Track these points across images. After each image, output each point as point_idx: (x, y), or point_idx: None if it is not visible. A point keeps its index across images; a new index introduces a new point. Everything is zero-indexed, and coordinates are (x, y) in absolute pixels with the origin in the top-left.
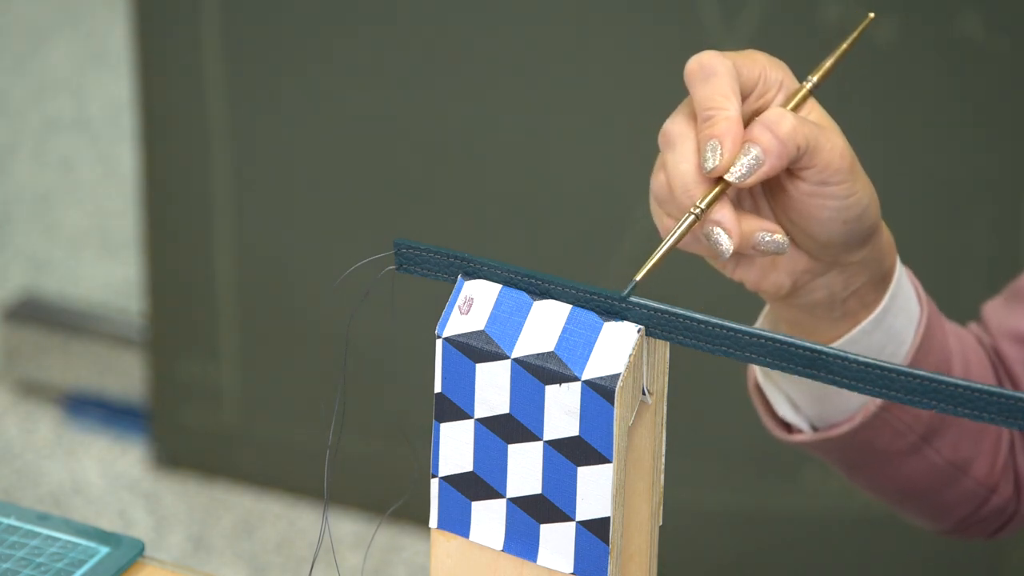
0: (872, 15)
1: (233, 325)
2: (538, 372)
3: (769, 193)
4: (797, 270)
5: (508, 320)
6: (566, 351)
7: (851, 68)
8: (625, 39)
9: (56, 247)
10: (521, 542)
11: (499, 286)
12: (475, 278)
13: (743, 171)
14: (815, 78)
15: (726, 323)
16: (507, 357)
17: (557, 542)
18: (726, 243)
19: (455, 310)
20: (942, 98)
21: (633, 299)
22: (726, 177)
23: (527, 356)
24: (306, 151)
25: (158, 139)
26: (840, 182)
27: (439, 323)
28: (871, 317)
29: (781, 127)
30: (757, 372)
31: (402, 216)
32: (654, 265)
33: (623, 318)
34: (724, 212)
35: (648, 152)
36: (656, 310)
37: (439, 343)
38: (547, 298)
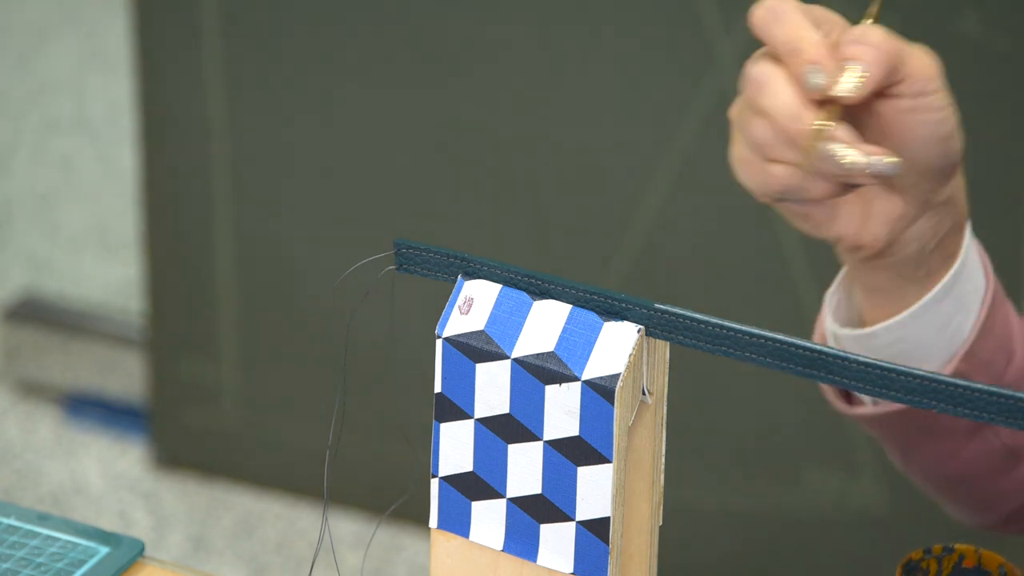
0: None
1: (233, 325)
2: (538, 372)
3: (859, 130)
4: (893, 217)
5: (508, 320)
6: (566, 351)
7: None
8: (625, 39)
9: (56, 247)
10: (521, 542)
11: (499, 286)
12: (475, 278)
13: (851, 85)
14: (873, 9)
15: (726, 323)
16: (507, 357)
17: (557, 542)
18: (851, 155)
19: (455, 310)
20: None
21: (633, 299)
22: (836, 93)
23: (527, 356)
24: (306, 151)
25: (158, 139)
26: (936, 90)
27: (439, 323)
28: (949, 275)
29: (872, 37)
30: (828, 339)
31: (402, 216)
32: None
33: (623, 318)
34: (841, 130)
35: (648, 152)
36: (656, 310)
37: (439, 343)
38: (547, 298)
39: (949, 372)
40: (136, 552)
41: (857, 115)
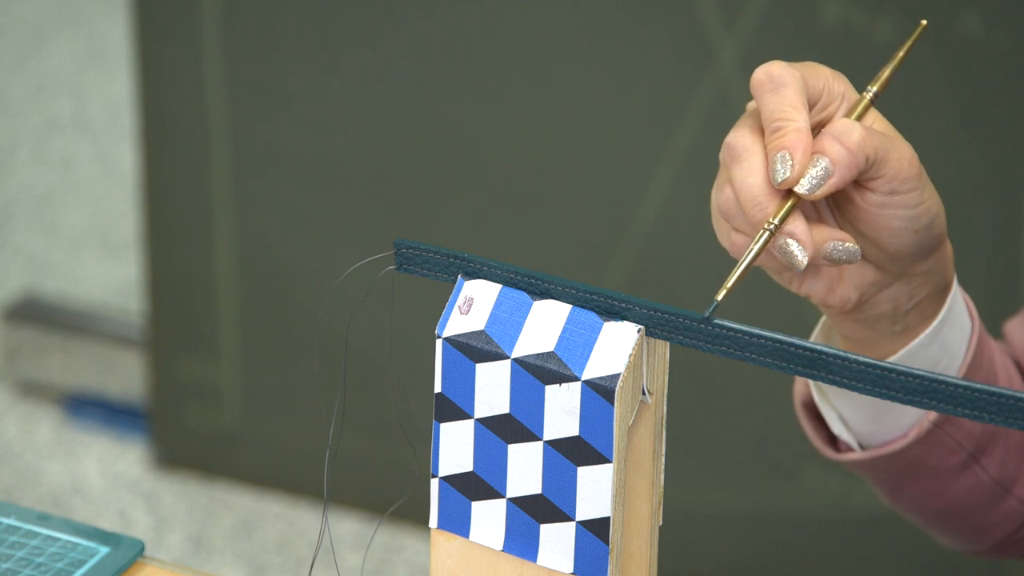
0: (924, 23)
1: (233, 325)
2: (538, 372)
3: (835, 206)
4: (864, 283)
5: (508, 320)
6: (566, 351)
7: (850, 67)
8: (625, 39)
9: (56, 247)
10: (521, 542)
11: (499, 286)
12: (475, 278)
13: (813, 183)
14: (875, 88)
15: (726, 323)
16: (507, 357)
17: (557, 542)
18: (800, 255)
19: (455, 310)
20: (941, 97)
21: (633, 299)
22: (796, 190)
23: (527, 356)
24: (306, 151)
25: (158, 139)
26: (910, 190)
27: (439, 323)
28: (931, 328)
29: (850, 138)
30: (812, 390)
31: (402, 216)
32: (734, 283)
33: (623, 318)
34: (797, 224)
35: (648, 152)
36: (656, 310)
37: (439, 343)
38: (547, 298)
39: (937, 414)
40: (136, 552)
41: (835, 193)
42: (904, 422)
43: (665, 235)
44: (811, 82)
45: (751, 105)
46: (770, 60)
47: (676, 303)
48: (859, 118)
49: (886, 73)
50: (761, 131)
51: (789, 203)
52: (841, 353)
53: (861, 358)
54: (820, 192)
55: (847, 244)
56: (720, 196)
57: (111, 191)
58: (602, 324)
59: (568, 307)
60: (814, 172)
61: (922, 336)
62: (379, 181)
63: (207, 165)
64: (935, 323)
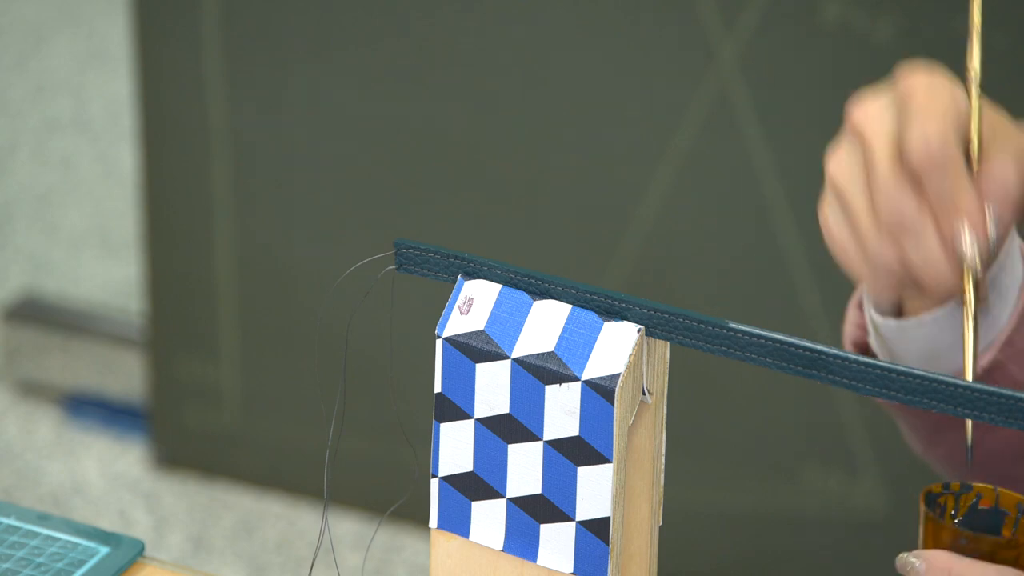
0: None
1: (233, 325)
2: (538, 372)
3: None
4: None
5: (508, 320)
6: (566, 351)
7: (850, 67)
8: (625, 39)
9: (56, 247)
10: (521, 542)
11: (499, 286)
12: (475, 278)
13: (978, 256)
14: (973, 75)
15: (726, 323)
16: (507, 357)
17: (557, 542)
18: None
19: (455, 310)
20: None
21: (633, 299)
22: (969, 264)
23: (527, 356)
24: (306, 151)
25: (158, 139)
26: None
27: (439, 323)
28: (995, 266)
29: (1009, 185)
30: (870, 334)
31: (402, 216)
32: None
33: (623, 318)
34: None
35: (648, 152)
36: (656, 310)
37: (439, 343)
38: (547, 298)
39: (988, 360)
40: (136, 552)
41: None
42: (956, 366)
43: (665, 235)
44: (960, 127)
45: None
46: (767, 57)
47: (676, 303)
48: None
49: (976, 49)
50: (918, 187)
51: (969, 275)
52: (841, 353)
53: (861, 358)
54: (987, 262)
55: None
56: (877, 249)
57: (111, 191)
58: (602, 324)
59: (568, 307)
60: (975, 240)
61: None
62: (379, 181)
63: (207, 165)
64: (996, 264)
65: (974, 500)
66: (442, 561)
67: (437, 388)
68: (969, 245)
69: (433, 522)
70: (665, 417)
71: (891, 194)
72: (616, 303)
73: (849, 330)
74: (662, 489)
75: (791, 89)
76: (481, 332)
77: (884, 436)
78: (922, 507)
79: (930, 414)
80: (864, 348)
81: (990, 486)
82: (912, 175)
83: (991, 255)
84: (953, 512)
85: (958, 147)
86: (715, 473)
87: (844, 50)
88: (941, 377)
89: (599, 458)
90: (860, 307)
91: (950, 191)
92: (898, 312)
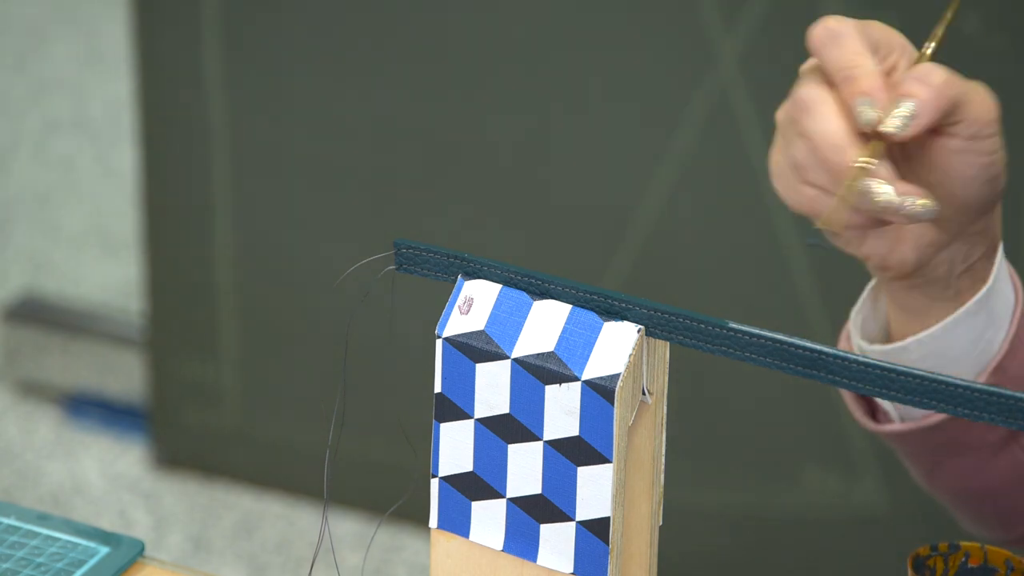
0: None
1: (233, 325)
2: (538, 372)
3: (905, 160)
4: (923, 243)
5: (508, 320)
6: (566, 351)
7: None
8: (625, 39)
9: (56, 247)
10: (521, 542)
11: (499, 286)
12: (475, 278)
13: (900, 123)
14: (933, 44)
15: (726, 323)
16: (507, 357)
17: (557, 542)
18: (887, 193)
19: (455, 310)
20: None
21: (633, 299)
22: (883, 130)
23: (527, 356)
24: (306, 151)
25: (158, 139)
26: (990, 135)
27: (439, 323)
28: (980, 294)
29: (934, 78)
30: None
31: (402, 216)
32: (830, 214)
33: (623, 318)
34: (882, 166)
35: (648, 152)
36: (656, 310)
37: (439, 343)
38: (547, 298)
39: None
40: (136, 552)
41: (905, 144)
42: None
43: (665, 235)
44: (870, 31)
45: (806, 66)
46: (767, 57)
47: (676, 303)
48: None
49: (940, 31)
50: (827, 83)
51: (875, 144)
52: (841, 353)
53: (861, 358)
54: (908, 132)
55: (926, 200)
56: (791, 148)
57: (111, 191)
58: (602, 324)
59: (568, 307)
60: (898, 113)
61: (970, 303)
62: (379, 181)
63: (207, 165)
64: (987, 286)
65: (963, 559)
66: (442, 561)
67: (437, 388)
68: (866, 108)
69: (433, 522)
70: (665, 417)
71: (801, 88)
72: (616, 303)
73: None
74: (662, 489)
75: (791, 89)
76: (481, 332)
77: None
78: (910, 573)
79: (927, 444)
80: None
81: (977, 544)
82: (815, 65)
83: (902, 132)
84: (943, 573)
85: (859, 34)
86: (715, 473)
87: None
88: (941, 377)
89: (599, 458)
90: (848, 339)
91: (846, 63)
92: (886, 339)
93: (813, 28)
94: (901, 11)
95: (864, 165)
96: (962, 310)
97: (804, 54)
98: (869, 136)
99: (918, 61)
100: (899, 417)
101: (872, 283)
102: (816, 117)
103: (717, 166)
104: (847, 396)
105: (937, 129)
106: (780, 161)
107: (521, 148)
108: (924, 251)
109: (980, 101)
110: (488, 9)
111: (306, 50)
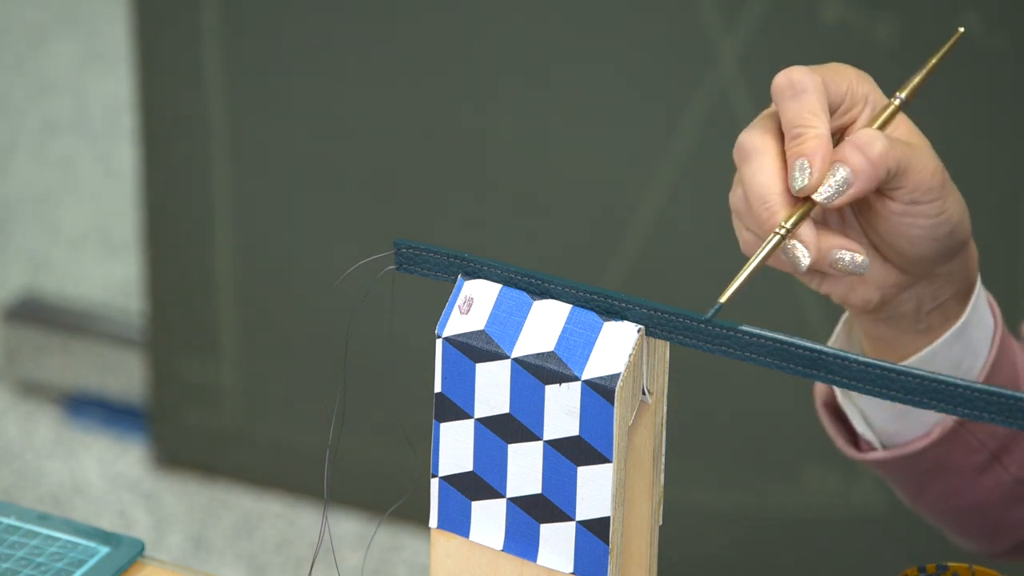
0: (962, 29)
1: (233, 325)
2: (538, 372)
3: (857, 209)
4: (886, 284)
5: (508, 320)
6: (566, 351)
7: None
8: (625, 39)
9: (56, 247)
10: (521, 542)
11: (499, 286)
12: (475, 278)
13: (831, 192)
14: (903, 94)
15: (726, 323)
16: (507, 357)
17: (557, 542)
18: (804, 258)
19: (455, 310)
20: (942, 96)
21: (633, 299)
22: (814, 197)
23: (527, 356)
24: (306, 151)
25: (158, 139)
26: (931, 200)
27: (439, 323)
28: (954, 328)
29: (873, 149)
30: (837, 392)
31: (402, 216)
32: (741, 285)
33: (623, 318)
34: (804, 228)
35: (648, 152)
36: (656, 310)
37: (439, 343)
38: (547, 298)
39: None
40: (136, 552)
41: (859, 200)
42: (928, 420)
43: (665, 235)
44: (833, 87)
45: (768, 110)
46: (767, 57)
47: (676, 303)
48: (885, 124)
49: (916, 80)
50: (774, 132)
51: (803, 208)
52: (841, 353)
53: (861, 358)
54: (839, 201)
55: (855, 256)
56: (733, 195)
57: (111, 191)
58: (602, 324)
59: (568, 307)
60: (833, 181)
61: (946, 336)
62: (379, 181)
63: (207, 165)
64: (959, 323)
65: None
66: (442, 561)
67: (437, 388)
68: (800, 173)
69: (433, 522)
70: (665, 417)
71: (746, 132)
72: (616, 303)
73: (819, 388)
74: (662, 489)
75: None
76: (481, 332)
77: None
78: None
79: (911, 471)
80: (832, 405)
81: (965, 564)
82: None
83: (832, 202)
84: None
85: (819, 91)
86: (715, 473)
87: (844, 50)
88: (941, 377)
89: (599, 458)
90: None
91: (798, 121)
92: None
93: (777, 76)
94: (901, 11)
95: (782, 231)
96: (938, 342)
97: (804, 55)
98: (802, 197)
99: (882, 112)
100: (881, 445)
101: (846, 314)
102: (753, 167)
103: (717, 166)
104: (828, 425)
105: (880, 190)
106: (730, 202)
107: (521, 148)
108: (888, 290)
109: (921, 168)
110: (488, 9)
111: (306, 50)
